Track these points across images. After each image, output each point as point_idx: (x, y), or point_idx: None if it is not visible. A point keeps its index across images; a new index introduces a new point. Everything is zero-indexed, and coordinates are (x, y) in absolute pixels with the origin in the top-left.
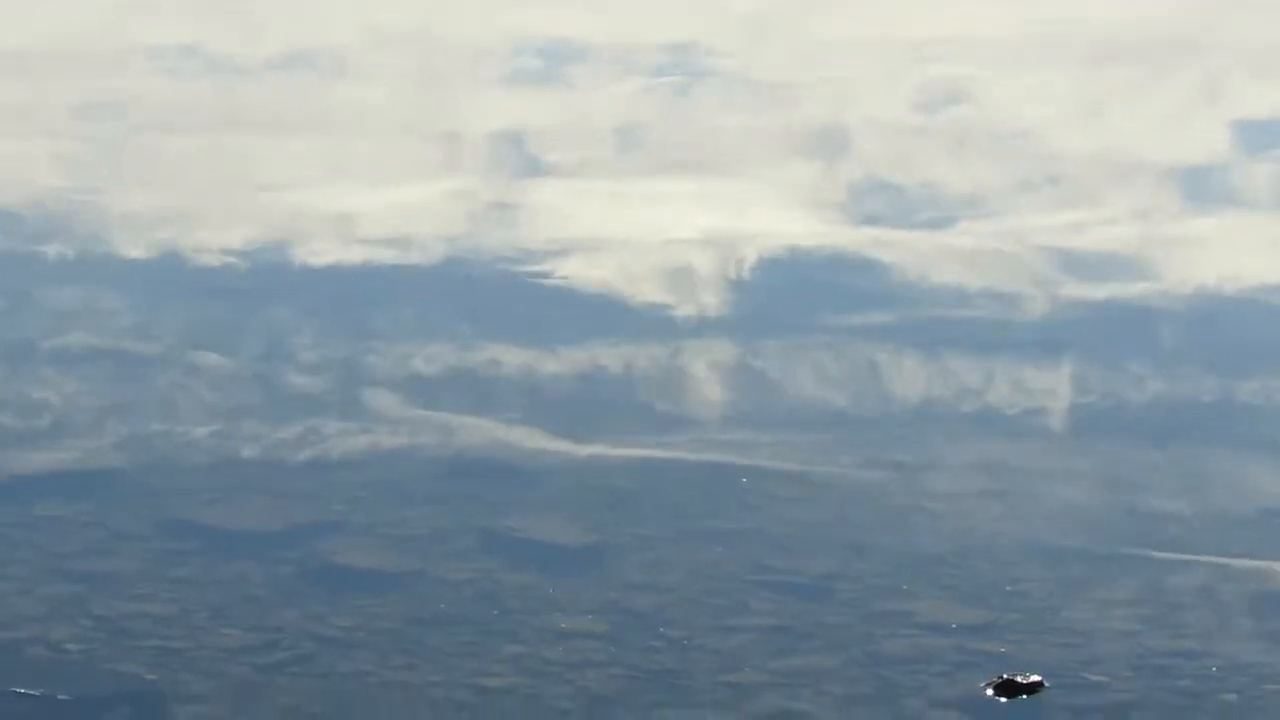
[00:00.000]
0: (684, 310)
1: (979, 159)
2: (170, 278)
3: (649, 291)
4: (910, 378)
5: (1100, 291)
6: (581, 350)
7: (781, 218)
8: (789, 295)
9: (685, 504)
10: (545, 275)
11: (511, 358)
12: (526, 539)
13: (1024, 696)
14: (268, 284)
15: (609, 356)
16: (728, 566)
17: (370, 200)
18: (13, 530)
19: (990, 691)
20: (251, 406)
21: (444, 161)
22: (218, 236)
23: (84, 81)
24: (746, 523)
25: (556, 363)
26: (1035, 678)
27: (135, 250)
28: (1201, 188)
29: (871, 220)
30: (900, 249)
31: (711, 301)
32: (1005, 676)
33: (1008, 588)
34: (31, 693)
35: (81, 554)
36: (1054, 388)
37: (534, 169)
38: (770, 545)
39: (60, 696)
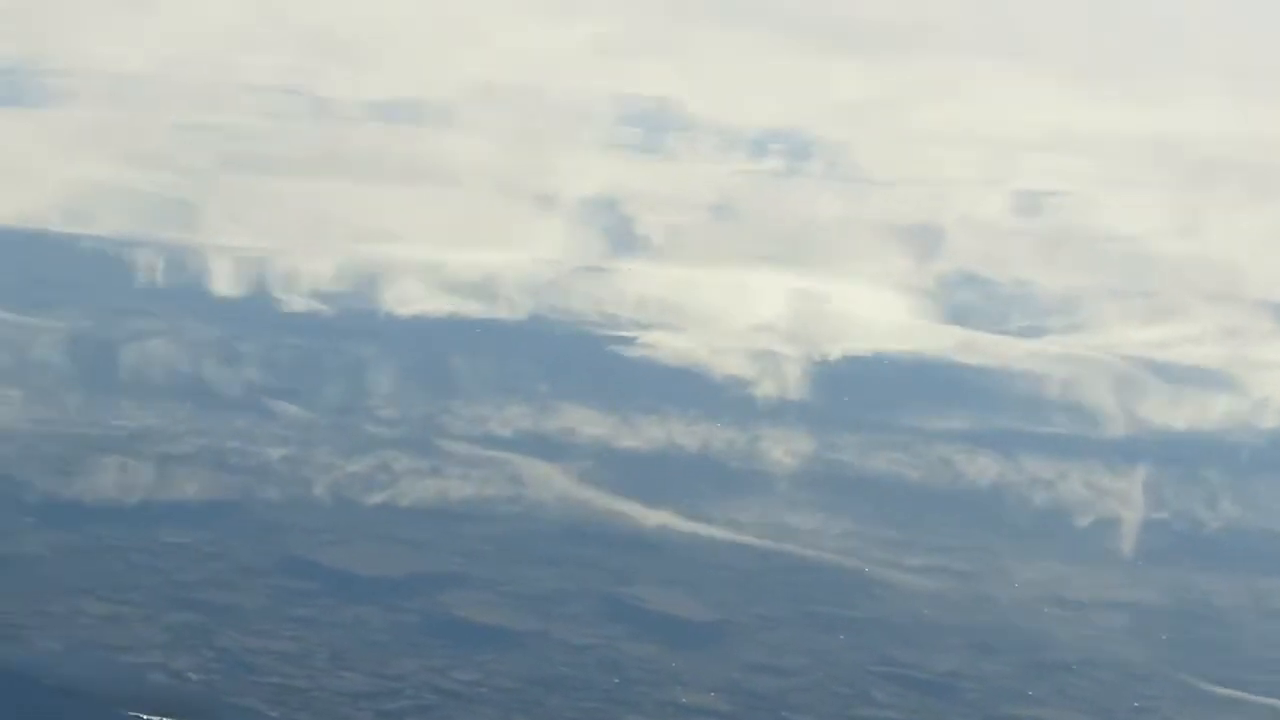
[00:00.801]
0: (762, 391)
1: (1072, 264)
2: (260, 316)
3: (729, 370)
4: (983, 476)
5: (1182, 410)
6: (661, 423)
7: (870, 311)
8: (871, 389)
9: (807, 587)
10: (628, 343)
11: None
12: (649, 609)
13: None
14: (358, 327)
15: (688, 433)
16: (850, 655)
17: (461, 255)
18: (137, 554)
19: None
20: (369, 450)
21: (537, 222)
22: (312, 279)
23: (187, 113)
24: (869, 612)
25: (657, 435)
26: None
27: (228, 288)
28: None
29: (960, 320)
30: (987, 354)
31: (791, 385)
32: None
33: (1135, 704)
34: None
35: (204, 584)
36: (1129, 500)
37: (627, 239)
38: (893, 637)
39: None
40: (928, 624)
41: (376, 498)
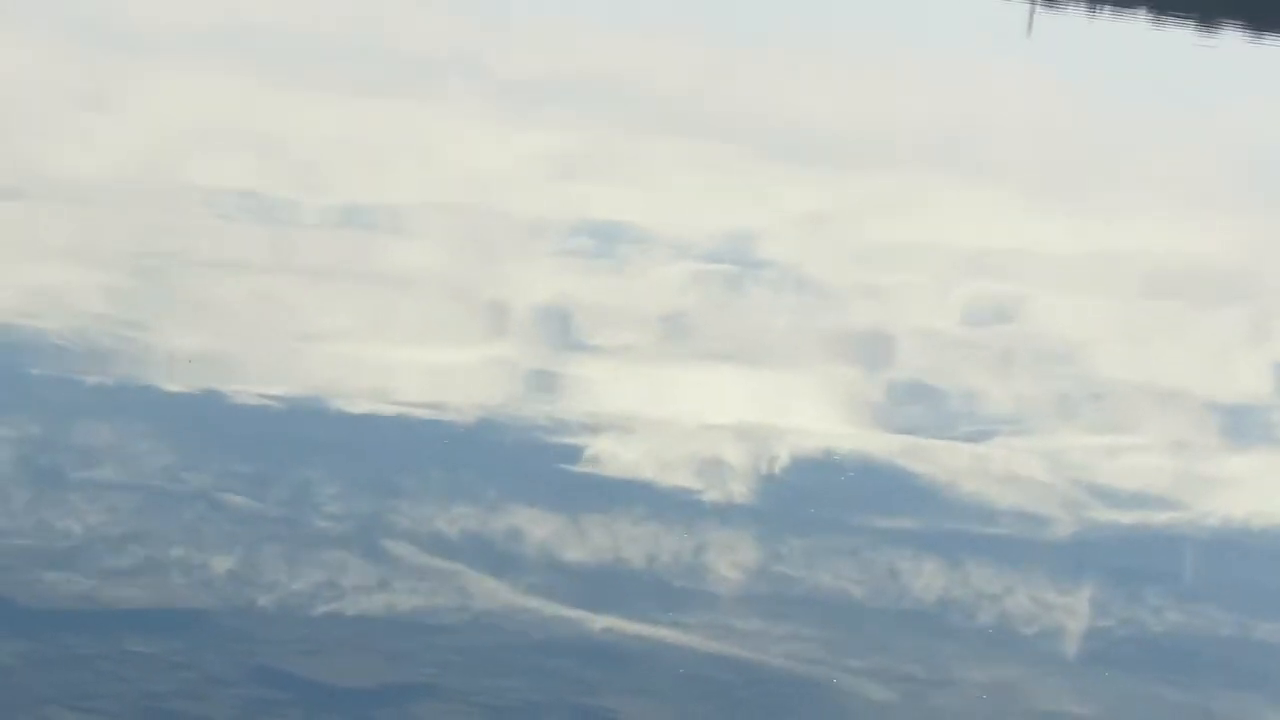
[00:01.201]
0: (710, 497)
1: (1022, 376)
2: (206, 417)
3: (678, 477)
4: (930, 584)
5: (1127, 518)
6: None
7: (819, 418)
8: (819, 494)
9: (772, 697)
10: (576, 453)
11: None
12: None
13: None
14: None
15: (634, 542)
16: None
17: (411, 358)
18: (102, 662)
19: None
20: (336, 559)
21: (488, 329)
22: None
23: (138, 217)
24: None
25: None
26: None
27: (175, 386)
28: (1240, 425)
29: (909, 427)
30: (933, 460)
31: (740, 491)
32: None
33: None
34: None
35: (174, 694)
36: (1074, 609)
37: (577, 345)
38: None
39: None
40: None
41: (337, 607)
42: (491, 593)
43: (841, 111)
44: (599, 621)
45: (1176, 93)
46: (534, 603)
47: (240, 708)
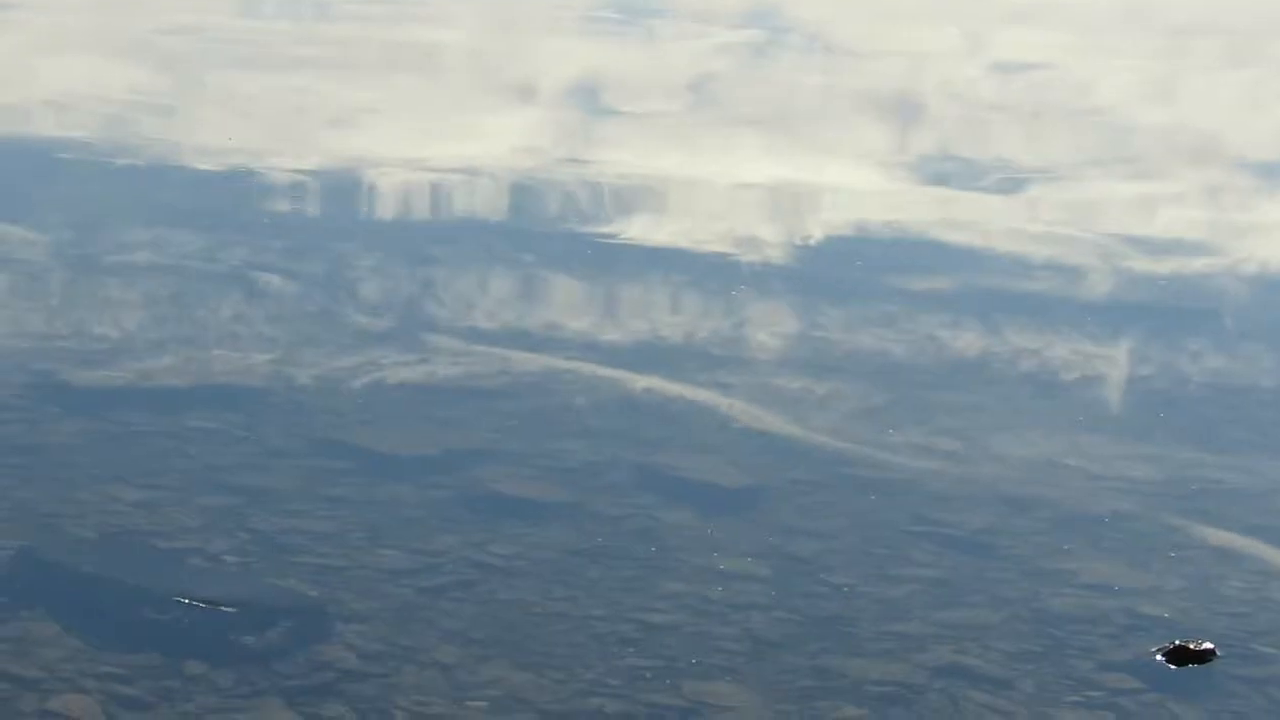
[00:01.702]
0: (747, 259)
1: (1053, 131)
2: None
3: (714, 247)
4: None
5: (1164, 267)
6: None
7: (851, 182)
8: (855, 260)
9: (836, 452)
10: (610, 234)
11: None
12: (682, 478)
13: (1193, 665)
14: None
15: (673, 317)
16: (886, 516)
17: (439, 148)
18: (165, 440)
19: (1161, 658)
20: (383, 333)
21: (517, 108)
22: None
23: (164, 15)
24: (898, 474)
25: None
26: (1208, 645)
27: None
28: (1273, 171)
29: (940, 183)
30: (967, 211)
31: (775, 255)
32: (1178, 643)
33: (1171, 554)
34: (198, 603)
35: (236, 468)
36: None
37: (607, 116)
38: (927, 497)
39: (225, 608)
40: (956, 485)
41: (380, 377)
42: (532, 361)
43: None
44: (636, 381)
45: None
46: (578, 367)
47: (302, 477)
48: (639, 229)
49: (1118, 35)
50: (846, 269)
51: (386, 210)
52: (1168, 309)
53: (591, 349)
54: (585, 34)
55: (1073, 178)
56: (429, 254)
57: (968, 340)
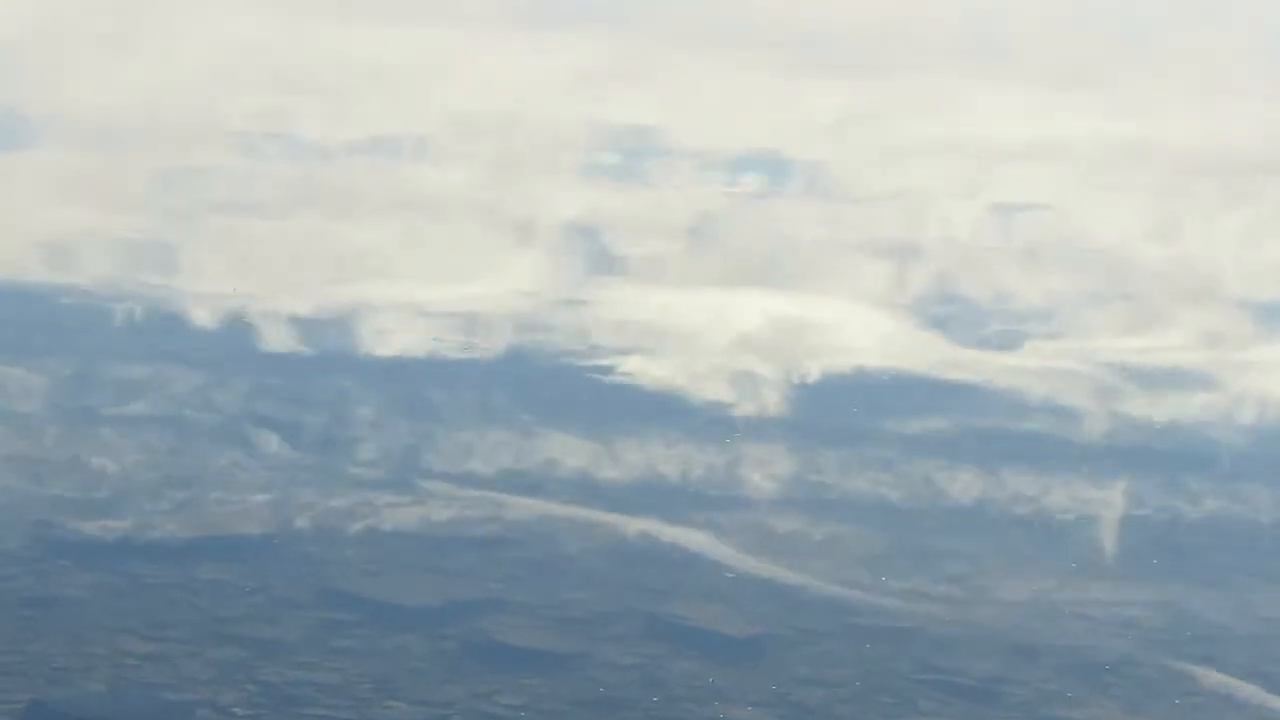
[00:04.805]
0: (743, 411)
1: (1051, 273)
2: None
3: (710, 391)
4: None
5: (1162, 409)
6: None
7: (849, 327)
8: (851, 404)
9: (838, 598)
10: (607, 370)
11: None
12: (686, 626)
13: None
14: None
15: (669, 457)
16: (890, 664)
17: (440, 291)
18: (175, 591)
19: None
20: (391, 482)
21: (516, 251)
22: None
23: (165, 157)
24: (901, 620)
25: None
26: None
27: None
28: (1273, 315)
29: (939, 331)
30: (966, 367)
31: (773, 401)
32: None
33: (1175, 700)
34: None
35: (244, 619)
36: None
37: (605, 264)
38: (934, 645)
39: None
40: (958, 631)
41: (376, 523)
42: (530, 507)
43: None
44: (636, 526)
45: None
46: (577, 513)
47: (310, 628)
48: (635, 368)
49: (1117, 173)
50: (844, 413)
51: (386, 350)
52: (1165, 450)
53: (585, 491)
54: (586, 176)
55: (1071, 320)
56: (425, 397)
57: (965, 483)
